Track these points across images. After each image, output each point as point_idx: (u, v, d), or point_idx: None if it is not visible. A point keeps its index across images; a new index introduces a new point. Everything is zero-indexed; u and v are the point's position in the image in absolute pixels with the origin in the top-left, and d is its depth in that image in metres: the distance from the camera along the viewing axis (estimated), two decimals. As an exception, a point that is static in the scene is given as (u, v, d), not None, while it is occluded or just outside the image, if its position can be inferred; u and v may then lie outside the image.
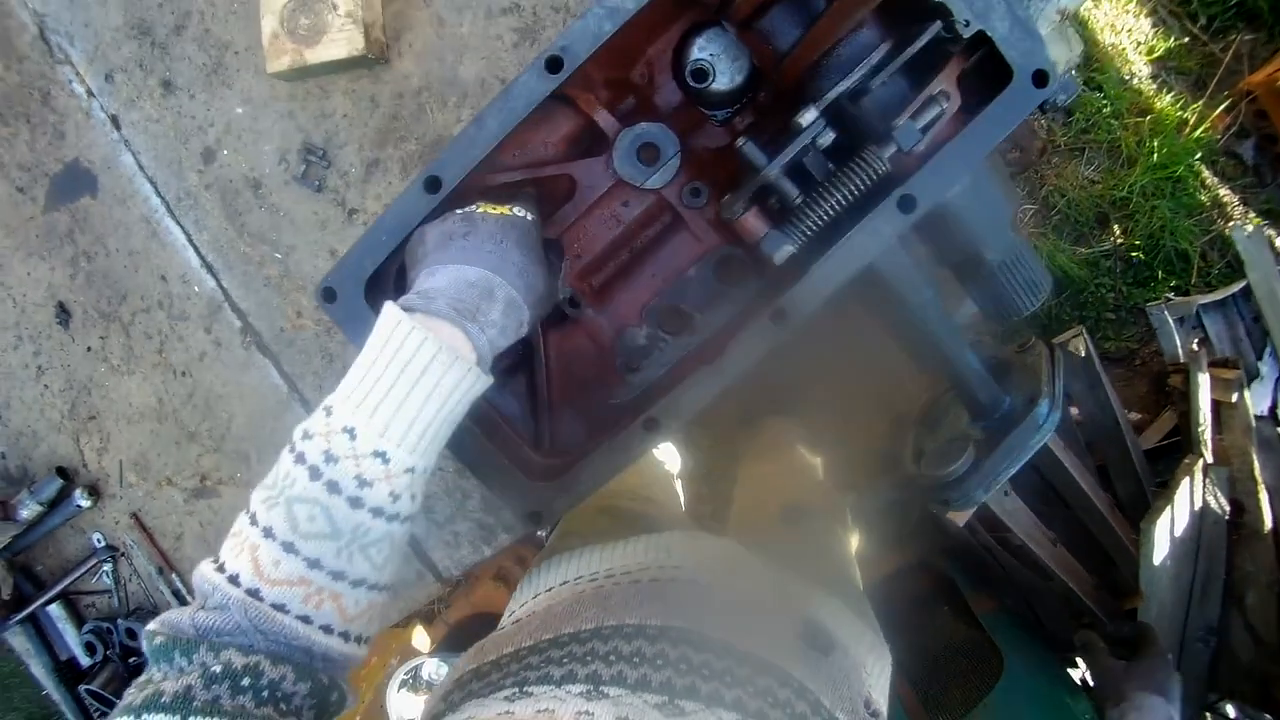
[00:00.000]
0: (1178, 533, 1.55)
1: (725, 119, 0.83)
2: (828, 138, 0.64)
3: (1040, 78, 0.68)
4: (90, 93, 0.98)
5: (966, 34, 0.66)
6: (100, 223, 1.00)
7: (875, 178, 0.65)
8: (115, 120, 0.98)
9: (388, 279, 0.77)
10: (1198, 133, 1.92)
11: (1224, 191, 1.98)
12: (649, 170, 0.79)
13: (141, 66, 0.96)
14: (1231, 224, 1.93)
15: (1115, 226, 1.96)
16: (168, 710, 0.44)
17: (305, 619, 0.51)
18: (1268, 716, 1.50)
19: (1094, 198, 1.94)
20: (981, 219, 0.75)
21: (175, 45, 0.94)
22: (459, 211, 0.64)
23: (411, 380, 0.52)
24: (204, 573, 0.53)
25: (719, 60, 0.78)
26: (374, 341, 0.55)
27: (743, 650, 0.57)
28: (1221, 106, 1.93)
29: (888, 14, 0.66)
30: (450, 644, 1.96)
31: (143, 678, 0.49)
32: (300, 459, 0.52)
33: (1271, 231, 1.91)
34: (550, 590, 0.80)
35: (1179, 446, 1.73)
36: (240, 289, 0.98)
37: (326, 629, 0.52)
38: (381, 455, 0.52)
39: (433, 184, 0.69)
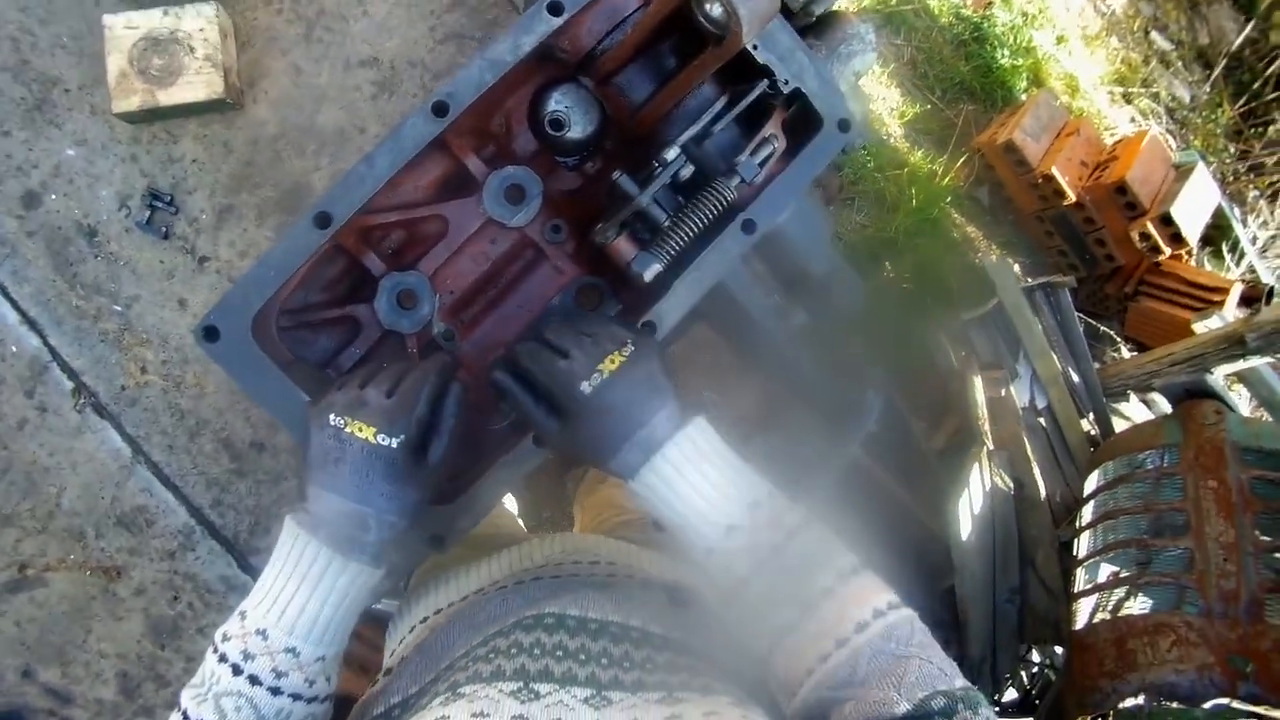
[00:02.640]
0: (975, 511, 1.85)
1: (576, 164, 0.93)
2: (688, 170, 0.76)
3: (844, 124, 0.87)
4: None
5: (786, 90, 0.83)
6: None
7: (725, 203, 0.77)
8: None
9: (271, 319, 0.77)
10: (945, 181, 2.34)
11: (970, 229, 2.43)
12: (515, 209, 0.86)
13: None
14: (980, 255, 2.38)
15: (887, 264, 2.31)
16: None
17: None
18: (1059, 649, 1.81)
19: (866, 239, 2.28)
20: (807, 238, 0.91)
21: None
22: (331, 422, 0.65)
23: (311, 585, 0.60)
24: None
25: (574, 111, 0.88)
26: (278, 553, 0.62)
27: (648, 631, 0.63)
28: (960, 160, 2.39)
29: (723, 73, 0.81)
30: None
31: None
32: (223, 658, 0.59)
33: (1011, 260, 2.39)
34: (433, 614, 0.81)
35: (963, 446, 2.07)
36: (71, 346, 0.90)
37: None
38: (292, 650, 0.59)
39: (322, 219, 0.71)
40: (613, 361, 0.64)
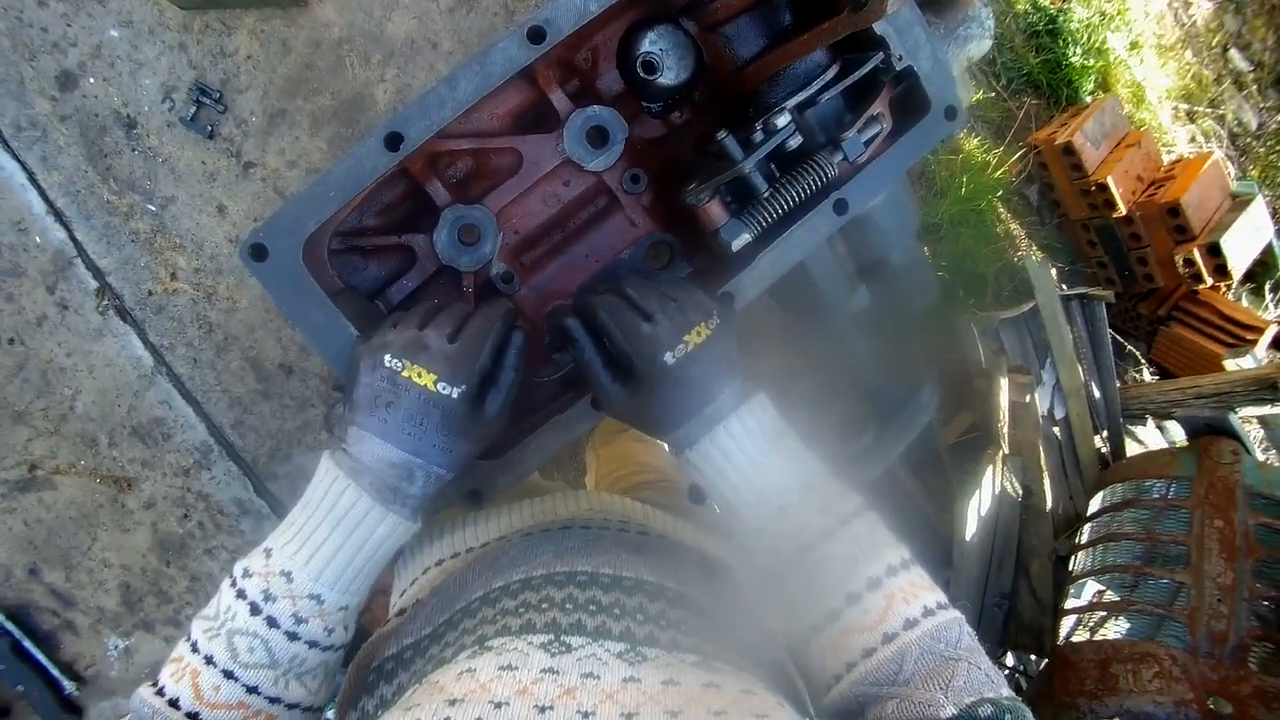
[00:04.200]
0: (982, 513, 1.84)
1: (660, 112, 0.87)
2: (795, 140, 0.69)
3: (951, 112, 0.80)
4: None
5: (899, 66, 0.76)
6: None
7: (825, 179, 0.71)
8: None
9: (323, 242, 0.71)
10: (997, 173, 2.27)
11: (1014, 226, 2.36)
12: (596, 153, 0.79)
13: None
14: (1019, 254, 2.32)
15: (926, 249, 2.26)
16: None
17: None
18: (1034, 656, 1.84)
19: (914, 223, 2.23)
20: (894, 226, 0.85)
21: None
22: (386, 364, 0.60)
23: (345, 532, 0.58)
24: (143, 696, 0.55)
25: (668, 55, 0.81)
26: (312, 493, 0.59)
27: (684, 593, 0.61)
28: (1016, 155, 2.31)
29: (836, 41, 0.74)
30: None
31: None
32: (241, 595, 0.56)
33: (1050, 264, 2.33)
34: (449, 558, 0.78)
35: (975, 443, 2.05)
36: (99, 243, 0.83)
37: None
38: (316, 597, 0.57)
39: (393, 140, 0.65)
40: (699, 334, 0.60)
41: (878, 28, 0.75)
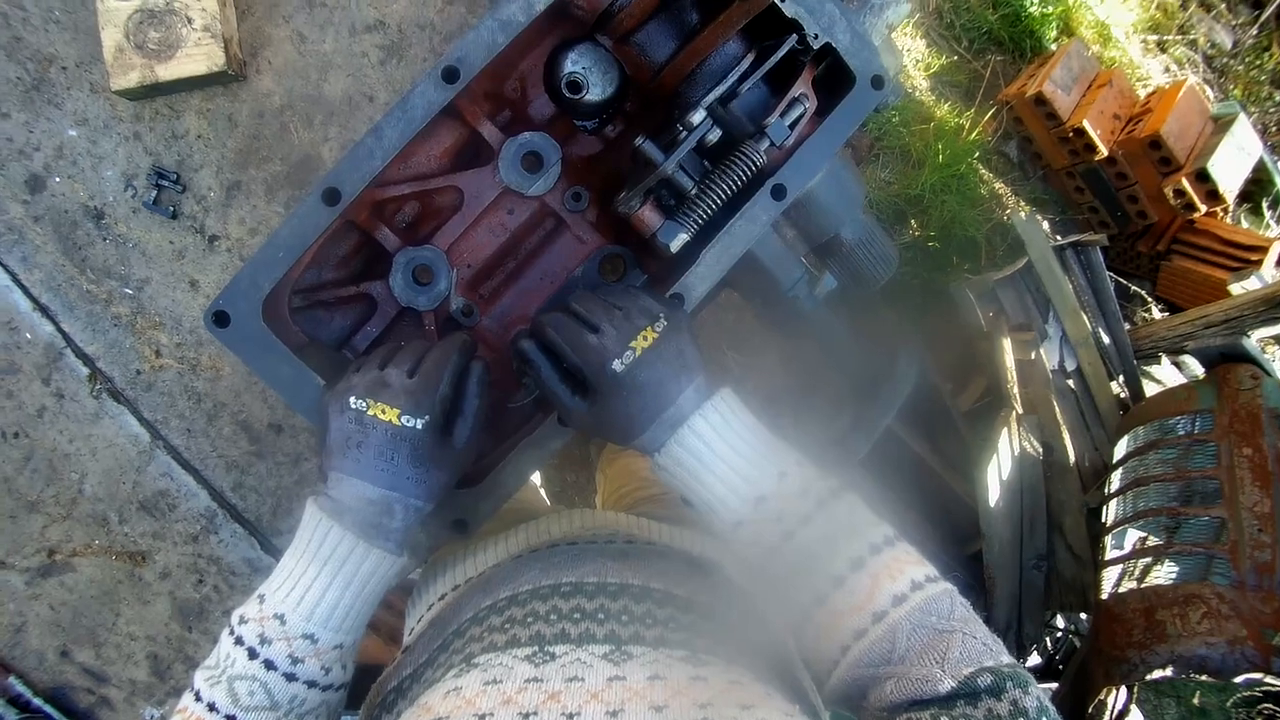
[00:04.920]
0: (1004, 477, 1.81)
1: (595, 128, 0.89)
2: (715, 134, 0.71)
3: (877, 81, 0.81)
4: None
5: (816, 45, 0.77)
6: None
7: (754, 168, 0.73)
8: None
9: (282, 300, 0.74)
10: (973, 135, 2.26)
11: (999, 185, 2.34)
12: (533, 178, 0.82)
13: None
14: (1008, 212, 2.30)
15: (912, 221, 2.24)
16: None
17: None
18: (1084, 616, 1.79)
19: (891, 197, 2.21)
20: (839, 202, 0.86)
21: None
22: (352, 405, 0.62)
23: (333, 571, 0.59)
24: None
25: (591, 73, 0.83)
26: (299, 538, 0.61)
27: (671, 593, 0.62)
28: (989, 114, 2.30)
29: (748, 28, 0.76)
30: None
31: None
32: (238, 641, 0.58)
33: (1040, 216, 2.31)
34: (450, 591, 0.80)
35: (990, 408, 2.03)
36: (85, 331, 0.88)
37: None
38: (310, 637, 0.58)
39: (331, 196, 0.68)
40: (645, 338, 0.61)
41: (789, 10, 0.77)
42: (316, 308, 0.81)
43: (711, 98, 0.74)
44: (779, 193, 0.77)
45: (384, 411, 0.62)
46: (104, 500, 0.92)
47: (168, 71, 0.82)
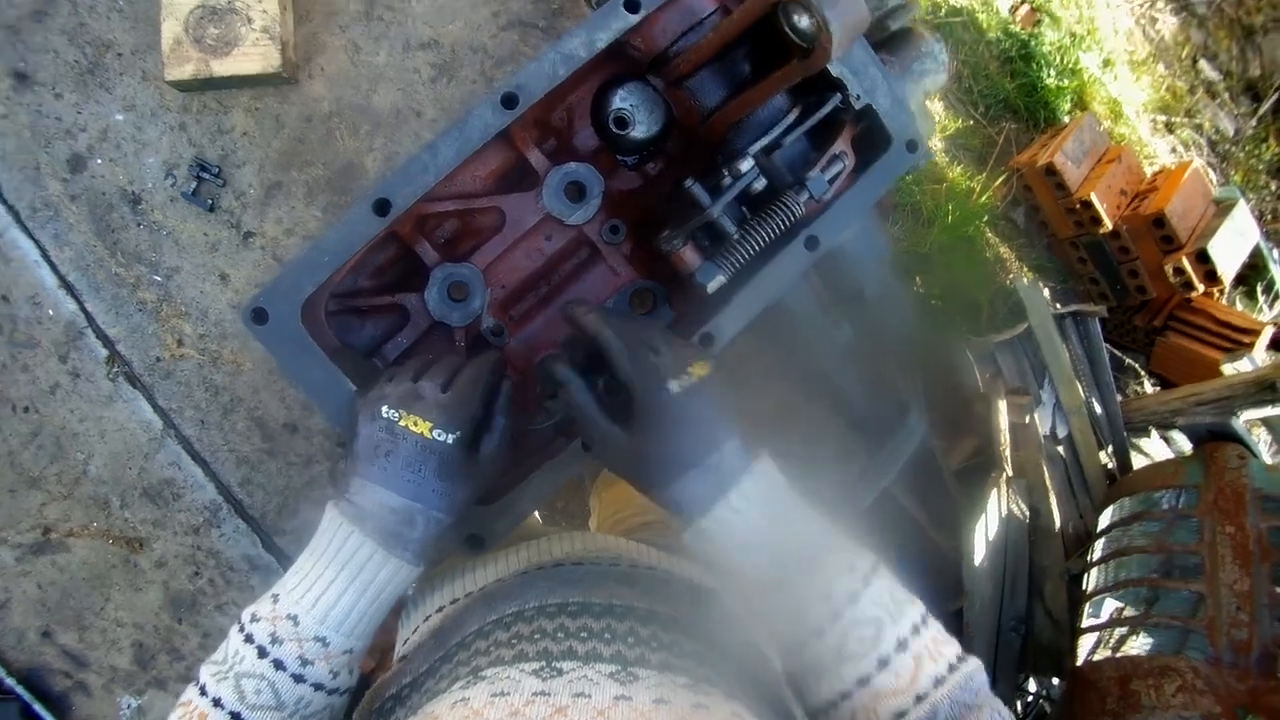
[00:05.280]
0: (990, 537, 1.84)
1: (635, 164, 0.91)
2: (760, 183, 0.74)
3: (912, 145, 0.85)
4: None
5: (858, 105, 0.81)
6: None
7: (793, 218, 0.76)
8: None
9: (320, 304, 0.75)
10: (983, 199, 2.32)
11: (1004, 250, 2.40)
12: (574, 207, 0.84)
13: (-22, 51, 0.84)
14: (1011, 277, 2.35)
15: (918, 278, 2.30)
16: None
17: None
18: (1056, 681, 1.81)
19: (900, 253, 2.27)
20: (865, 257, 0.89)
21: (33, 33, 0.84)
22: (384, 414, 0.63)
23: (350, 577, 0.60)
24: None
25: (638, 110, 0.86)
26: (318, 541, 0.62)
27: (675, 617, 0.62)
28: (999, 179, 2.36)
29: (796, 85, 0.79)
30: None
31: None
32: (249, 639, 0.58)
33: (1042, 284, 2.36)
34: (449, 604, 0.81)
35: (980, 468, 2.06)
36: (108, 313, 0.88)
37: None
38: (322, 640, 0.58)
39: (382, 206, 0.70)
40: (701, 368, 0.60)
41: (835, 70, 0.80)
42: (349, 313, 0.82)
43: (757, 147, 0.76)
44: (812, 243, 0.80)
45: (416, 424, 0.63)
46: (107, 483, 0.92)
47: (223, 67, 0.84)
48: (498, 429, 0.67)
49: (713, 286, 0.75)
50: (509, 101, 0.71)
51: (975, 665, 0.56)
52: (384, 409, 0.63)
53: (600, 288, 0.89)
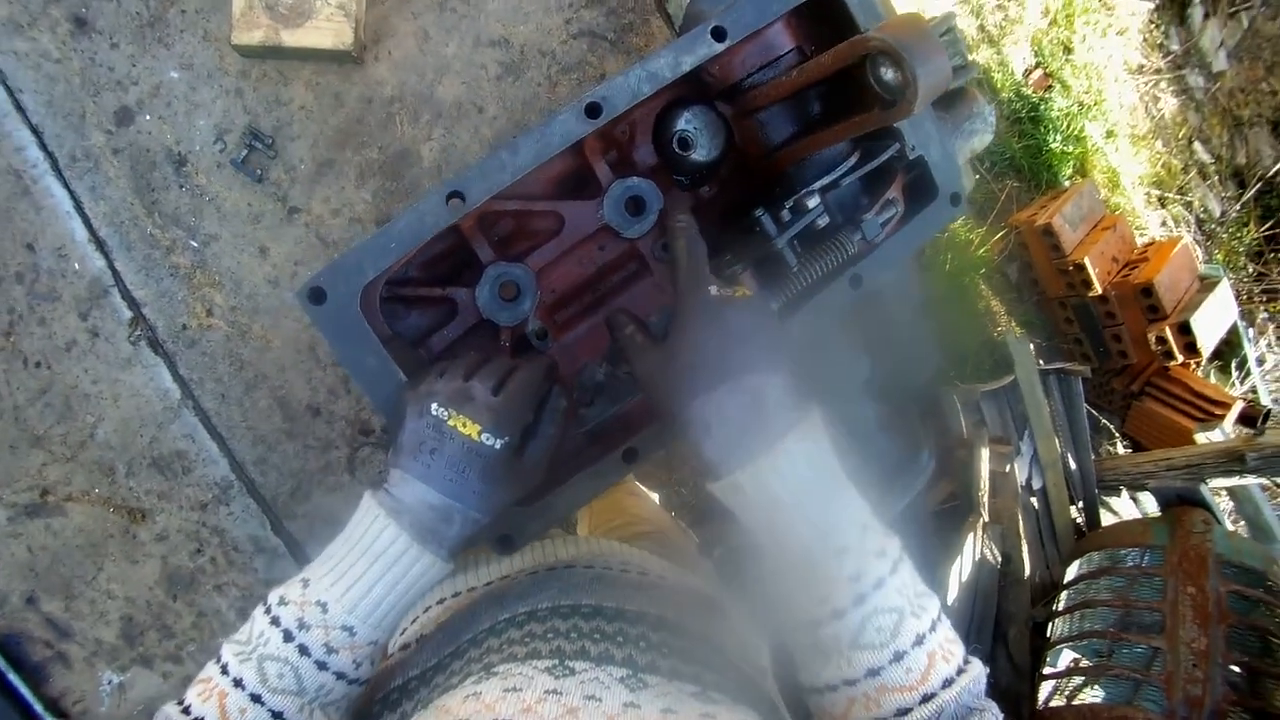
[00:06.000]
0: (963, 579, 1.90)
1: (689, 186, 0.93)
2: (824, 220, 0.77)
3: (955, 198, 0.88)
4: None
5: (912, 156, 0.85)
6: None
7: (846, 256, 0.79)
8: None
9: (376, 290, 0.75)
10: (980, 251, 2.40)
11: (995, 302, 2.48)
12: (632, 221, 0.85)
13: (42, -9, 0.82)
14: (1000, 330, 2.44)
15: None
16: None
17: None
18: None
19: (900, 292, 2.34)
20: (900, 302, 0.93)
21: None
22: (433, 412, 0.63)
23: (383, 569, 0.60)
24: (169, 714, 0.56)
25: (701, 134, 0.88)
26: (353, 529, 0.62)
27: (684, 624, 0.64)
28: (998, 235, 2.45)
29: (860, 131, 0.82)
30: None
31: None
32: (275, 621, 0.58)
33: (1029, 339, 2.45)
34: (451, 597, 0.80)
35: (953, 511, 2.12)
36: (137, 274, 0.86)
37: None
38: (349, 629, 0.58)
39: (456, 198, 0.71)
40: (741, 291, 0.63)
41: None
42: (396, 301, 0.81)
43: (819, 185, 0.79)
44: (856, 282, 0.83)
45: (465, 425, 0.62)
46: (115, 449, 0.89)
47: (293, 38, 0.83)
48: (545, 438, 0.68)
49: (766, 314, 0.77)
50: (593, 111, 0.72)
51: (980, 669, 0.55)
52: (433, 406, 0.63)
53: (645, 302, 0.90)
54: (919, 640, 0.53)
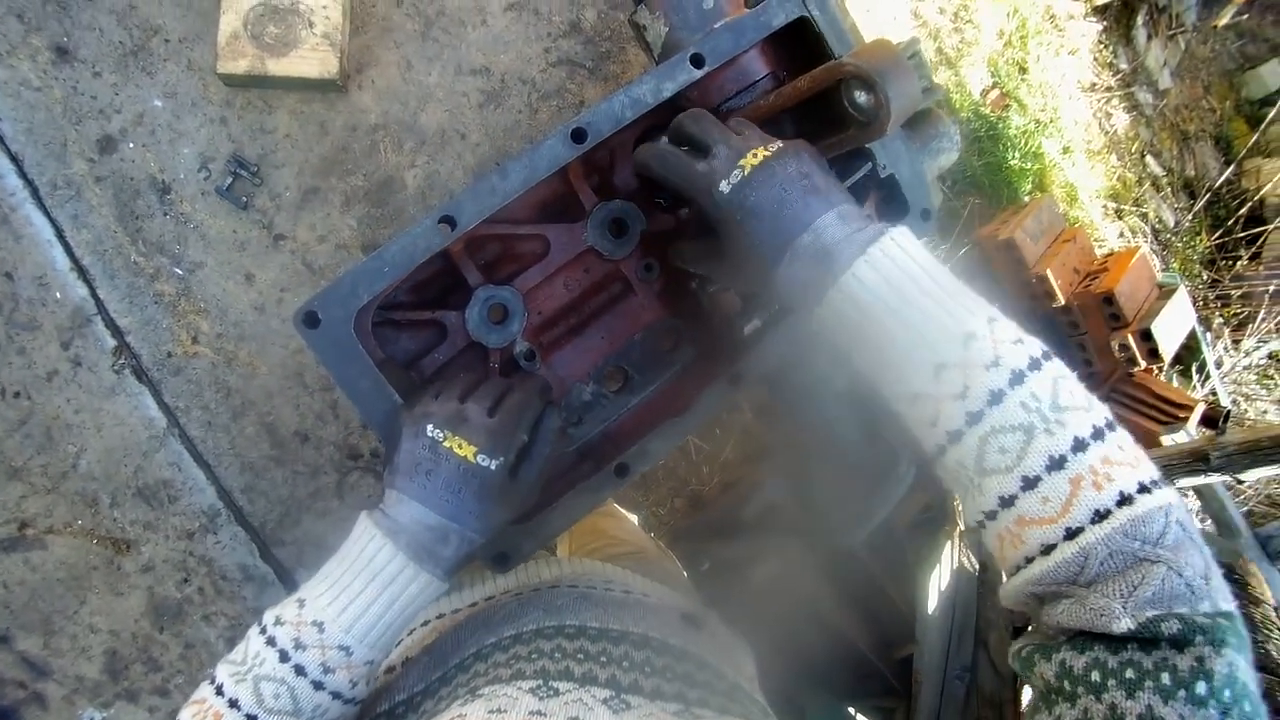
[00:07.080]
0: (942, 588, 1.94)
1: (670, 207, 0.97)
2: (804, 238, 0.81)
3: (925, 214, 0.93)
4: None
5: (884, 174, 0.89)
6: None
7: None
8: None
9: (369, 314, 0.77)
10: (946, 266, 2.46)
11: (963, 315, 2.54)
12: (616, 243, 0.88)
13: (22, 19, 0.83)
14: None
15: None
16: None
17: None
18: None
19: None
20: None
21: (81, 10, 0.82)
22: (429, 433, 0.64)
23: (379, 589, 0.61)
24: None
25: (680, 156, 0.92)
26: (349, 549, 0.62)
27: (667, 642, 0.65)
28: (961, 251, 2.54)
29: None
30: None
31: None
32: (271, 642, 0.58)
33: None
34: (435, 619, 0.81)
35: (929, 523, 2.17)
36: (121, 302, 0.86)
37: None
38: (346, 649, 0.59)
39: (447, 223, 0.73)
40: (755, 156, 0.58)
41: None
42: (386, 325, 0.83)
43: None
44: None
45: (460, 446, 0.64)
46: (99, 480, 0.89)
47: (278, 67, 0.85)
48: (538, 458, 0.69)
49: (749, 330, 0.81)
50: (578, 136, 0.75)
51: (1160, 505, 0.44)
52: (429, 428, 0.64)
53: (630, 321, 0.93)
54: (1056, 463, 0.45)
